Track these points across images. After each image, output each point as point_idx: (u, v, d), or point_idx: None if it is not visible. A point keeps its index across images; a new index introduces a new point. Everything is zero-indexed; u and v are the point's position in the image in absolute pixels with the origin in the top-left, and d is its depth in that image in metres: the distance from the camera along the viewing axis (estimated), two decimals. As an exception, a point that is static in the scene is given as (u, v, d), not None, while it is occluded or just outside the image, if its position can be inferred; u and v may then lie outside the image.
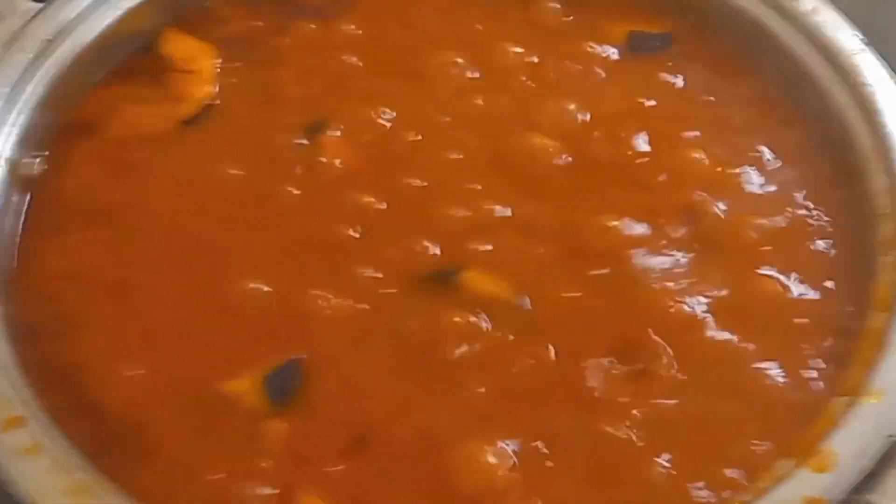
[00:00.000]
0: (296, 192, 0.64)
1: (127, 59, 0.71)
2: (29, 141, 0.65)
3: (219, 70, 0.71)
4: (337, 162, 0.65)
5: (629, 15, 0.73)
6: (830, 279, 0.61)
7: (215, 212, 0.62)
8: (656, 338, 0.57)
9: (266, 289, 0.58)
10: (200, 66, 0.72)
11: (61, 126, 0.67)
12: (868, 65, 0.67)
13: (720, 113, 0.69)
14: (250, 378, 0.55)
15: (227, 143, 0.66)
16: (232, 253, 0.60)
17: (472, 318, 0.57)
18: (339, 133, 0.66)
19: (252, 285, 0.59)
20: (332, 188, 0.63)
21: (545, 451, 0.53)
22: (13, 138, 0.64)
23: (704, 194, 0.64)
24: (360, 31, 0.73)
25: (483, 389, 0.55)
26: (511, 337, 0.57)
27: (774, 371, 0.57)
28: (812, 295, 0.60)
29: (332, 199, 0.63)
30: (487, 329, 0.57)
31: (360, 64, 0.71)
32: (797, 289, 0.60)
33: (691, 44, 0.72)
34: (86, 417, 0.54)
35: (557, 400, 0.55)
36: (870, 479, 0.50)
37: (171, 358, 0.56)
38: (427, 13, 0.74)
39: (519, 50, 0.71)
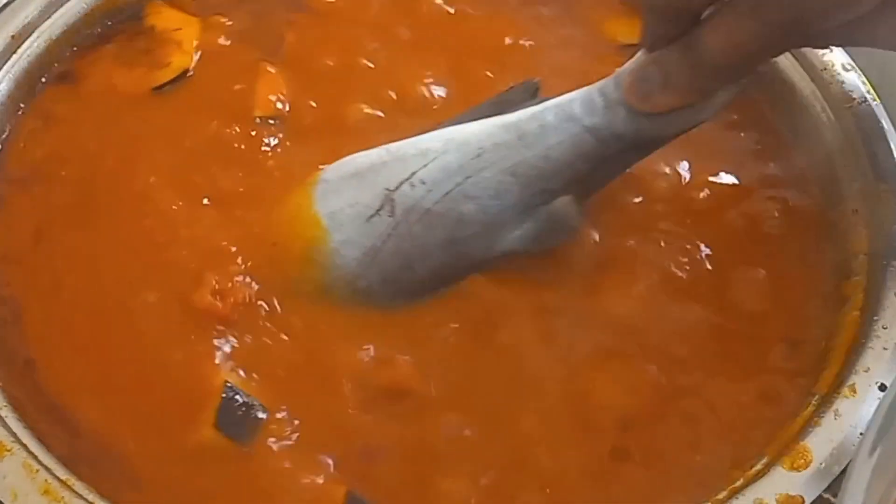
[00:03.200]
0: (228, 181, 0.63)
1: (114, 26, 0.72)
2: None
3: (198, 42, 0.71)
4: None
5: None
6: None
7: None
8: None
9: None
10: (181, 37, 0.72)
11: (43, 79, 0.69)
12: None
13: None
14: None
15: (186, 114, 0.66)
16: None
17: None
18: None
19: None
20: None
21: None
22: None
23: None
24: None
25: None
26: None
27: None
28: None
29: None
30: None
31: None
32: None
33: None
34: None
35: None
36: (844, 476, 0.49)
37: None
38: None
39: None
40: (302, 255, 0.58)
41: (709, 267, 0.60)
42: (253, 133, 0.65)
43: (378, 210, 0.57)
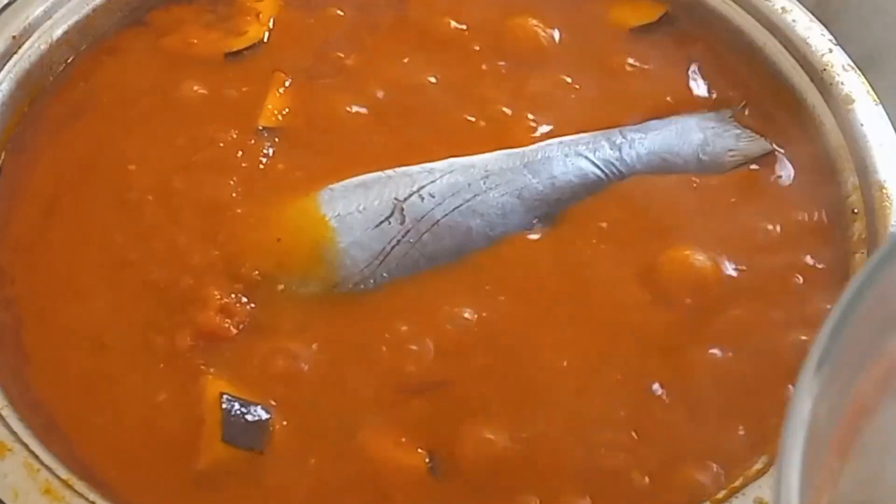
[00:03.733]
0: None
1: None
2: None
3: (279, 12, 0.73)
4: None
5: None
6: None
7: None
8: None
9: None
10: (262, 7, 0.73)
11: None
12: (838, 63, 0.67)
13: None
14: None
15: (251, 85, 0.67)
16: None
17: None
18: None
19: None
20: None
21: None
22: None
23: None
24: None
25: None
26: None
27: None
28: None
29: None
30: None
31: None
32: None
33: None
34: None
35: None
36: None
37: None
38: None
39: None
40: (310, 254, 0.59)
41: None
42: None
43: (388, 217, 0.59)
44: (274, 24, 0.72)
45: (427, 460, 0.53)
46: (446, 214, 0.60)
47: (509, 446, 0.54)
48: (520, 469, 0.53)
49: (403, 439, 0.54)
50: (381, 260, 0.59)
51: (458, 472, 0.53)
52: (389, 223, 0.59)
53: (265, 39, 0.71)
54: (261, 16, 0.73)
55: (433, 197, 0.60)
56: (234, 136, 0.65)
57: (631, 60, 0.70)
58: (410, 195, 0.60)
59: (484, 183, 0.61)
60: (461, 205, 0.60)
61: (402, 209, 0.59)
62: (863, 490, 0.40)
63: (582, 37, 0.71)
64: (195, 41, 0.71)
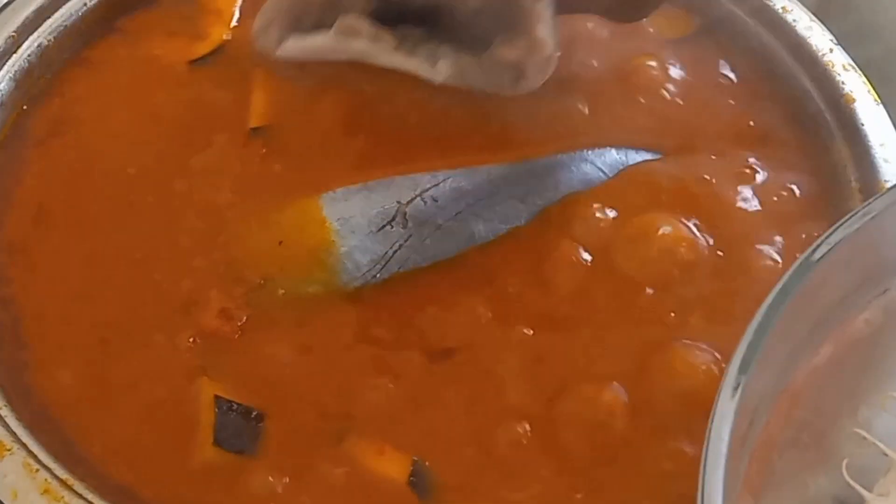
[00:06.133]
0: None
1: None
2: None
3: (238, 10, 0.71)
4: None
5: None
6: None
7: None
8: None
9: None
10: (221, 6, 0.72)
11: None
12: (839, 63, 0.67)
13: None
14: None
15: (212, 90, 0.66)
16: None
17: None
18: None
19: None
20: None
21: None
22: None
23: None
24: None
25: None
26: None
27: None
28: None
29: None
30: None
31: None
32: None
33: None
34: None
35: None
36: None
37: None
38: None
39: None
40: (311, 258, 0.58)
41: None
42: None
43: (390, 221, 0.59)
44: (239, 20, 0.70)
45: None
46: (449, 219, 0.59)
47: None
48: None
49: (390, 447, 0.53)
50: (383, 265, 0.58)
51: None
52: (392, 227, 0.59)
53: (229, 38, 0.70)
54: (223, 14, 0.71)
55: (436, 201, 0.59)
56: (226, 138, 0.64)
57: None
58: (413, 199, 0.59)
59: (487, 187, 0.60)
60: (463, 210, 0.59)
61: (405, 213, 0.59)
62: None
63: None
64: (160, 51, 0.69)
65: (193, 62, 0.68)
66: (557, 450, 0.53)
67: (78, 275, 0.59)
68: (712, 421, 0.36)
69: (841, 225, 0.42)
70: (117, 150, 0.64)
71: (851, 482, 0.41)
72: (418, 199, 0.59)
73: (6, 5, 0.67)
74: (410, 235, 0.58)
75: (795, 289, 0.38)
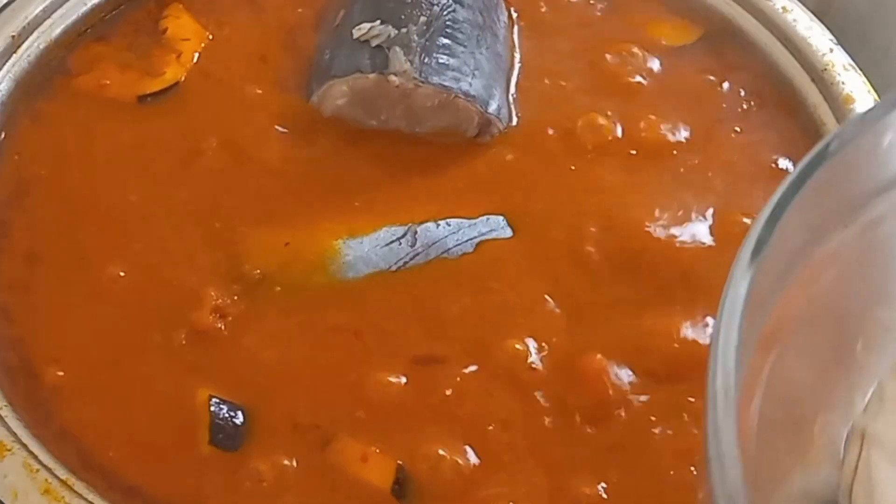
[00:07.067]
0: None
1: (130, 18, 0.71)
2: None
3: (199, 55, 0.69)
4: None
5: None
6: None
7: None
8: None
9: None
10: (184, 48, 0.70)
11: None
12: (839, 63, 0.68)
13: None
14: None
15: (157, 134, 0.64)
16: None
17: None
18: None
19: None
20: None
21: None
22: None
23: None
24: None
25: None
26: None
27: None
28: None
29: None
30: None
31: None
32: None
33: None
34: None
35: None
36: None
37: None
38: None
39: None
40: (314, 262, 0.58)
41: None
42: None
43: (400, 238, 0.59)
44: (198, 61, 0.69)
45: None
46: (458, 244, 0.59)
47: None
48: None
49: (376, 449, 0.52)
50: (384, 278, 0.58)
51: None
52: (400, 244, 0.59)
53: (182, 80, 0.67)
54: (181, 56, 0.69)
55: (449, 225, 0.59)
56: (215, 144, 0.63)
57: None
58: (426, 219, 0.59)
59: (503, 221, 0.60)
60: (476, 237, 0.59)
61: (416, 232, 0.59)
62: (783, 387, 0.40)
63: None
64: (108, 82, 0.67)
65: (142, 97, 0.66)
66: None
67: (78, 274, 0.58)
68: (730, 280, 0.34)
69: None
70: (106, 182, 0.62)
71: None
72: (431, 220, 0.59)
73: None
74: (417, 254, 0.58)
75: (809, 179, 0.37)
